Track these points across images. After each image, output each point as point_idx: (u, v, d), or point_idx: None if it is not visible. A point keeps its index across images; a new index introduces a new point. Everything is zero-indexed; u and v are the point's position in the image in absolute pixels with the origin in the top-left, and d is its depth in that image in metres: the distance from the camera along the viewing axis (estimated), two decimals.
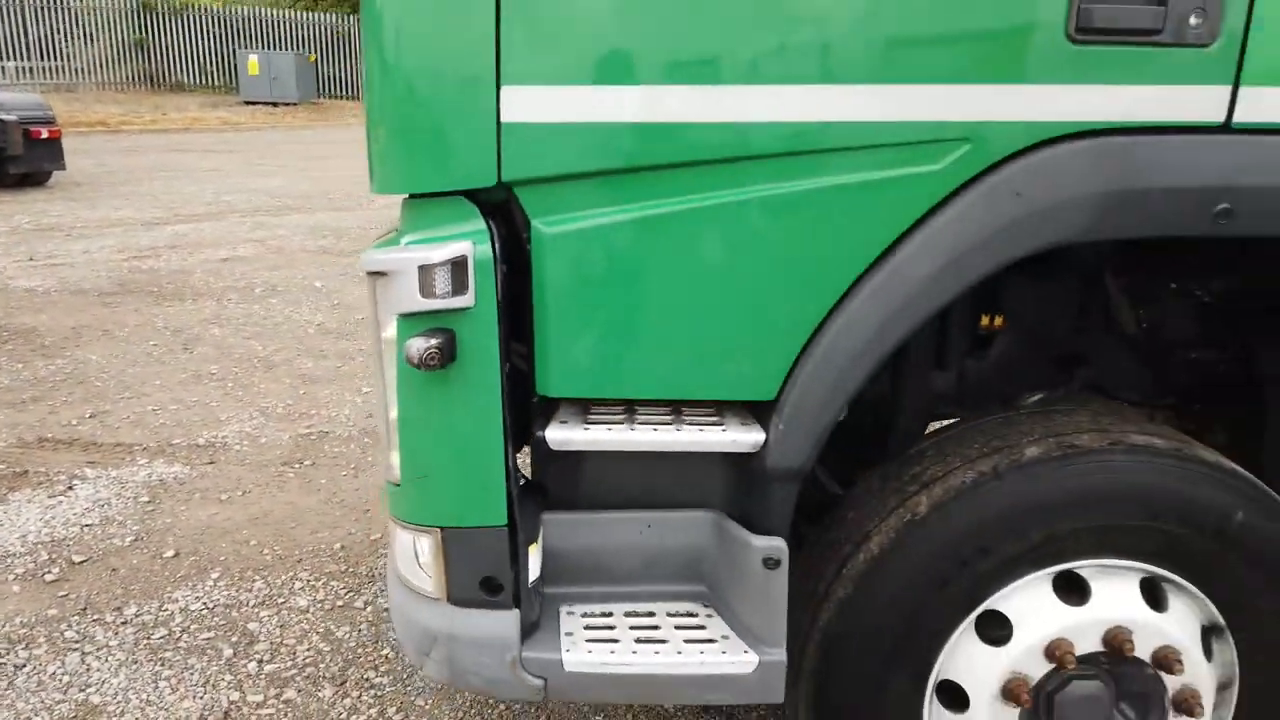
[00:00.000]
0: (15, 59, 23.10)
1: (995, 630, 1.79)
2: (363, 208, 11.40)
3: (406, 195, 1.63)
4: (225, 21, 25.44)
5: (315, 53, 25.54)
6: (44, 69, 23.50)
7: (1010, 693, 1.77)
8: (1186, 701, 1.79)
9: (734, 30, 1.48)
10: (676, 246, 1.55)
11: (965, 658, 1.80)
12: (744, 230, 1.55)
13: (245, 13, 25.90)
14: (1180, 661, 1.76)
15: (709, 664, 1.71)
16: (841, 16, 1.49)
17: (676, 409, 1.72)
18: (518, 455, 1.77)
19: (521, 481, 1.74)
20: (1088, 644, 1.76)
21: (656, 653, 1.72)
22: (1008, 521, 1.71)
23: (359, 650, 2.95)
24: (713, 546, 1.81)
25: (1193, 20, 1.48)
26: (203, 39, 25.04)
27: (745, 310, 1.59)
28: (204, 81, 25.46)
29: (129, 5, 24.48)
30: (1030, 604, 1.77)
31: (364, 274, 1.68)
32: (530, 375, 1.67)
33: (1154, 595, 1.79)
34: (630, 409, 1.73)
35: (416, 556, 1.80)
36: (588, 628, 1.79)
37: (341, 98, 26.29)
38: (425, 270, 1.51)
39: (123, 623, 3.09)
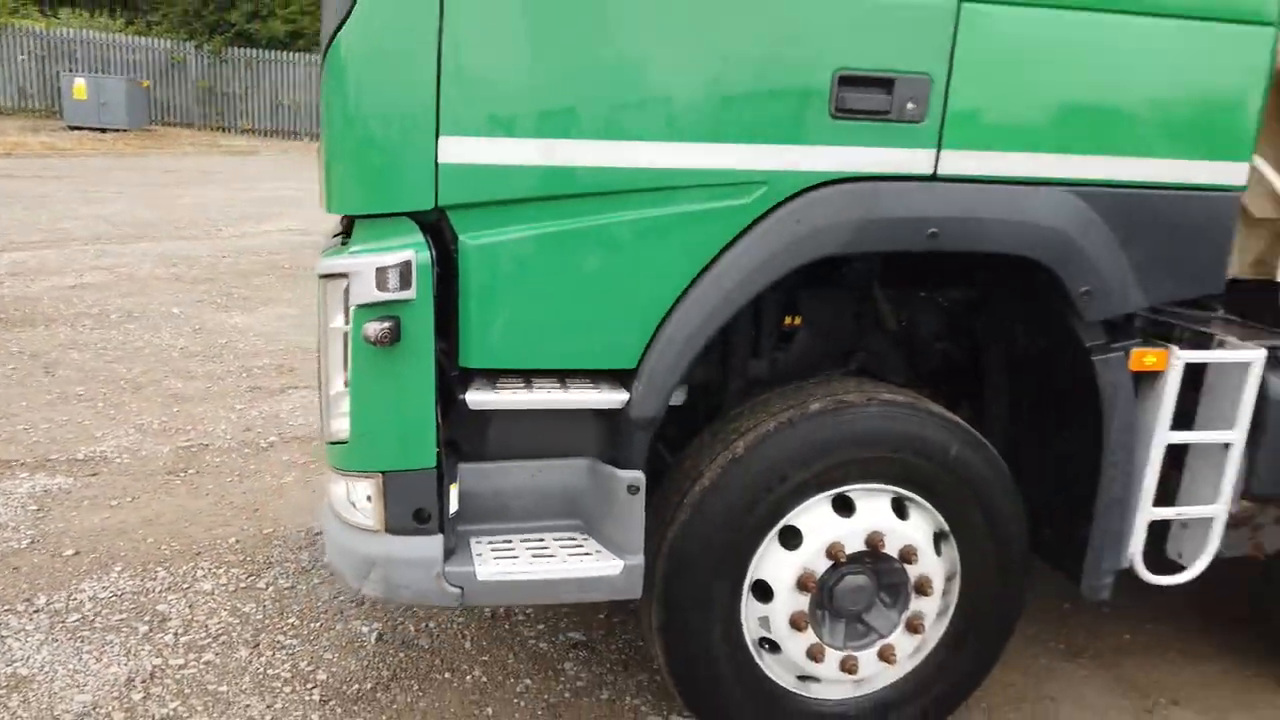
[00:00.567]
0: None
1: (791, 540, 2.46)
2: (211, 237, 11.35)
3: (359, 215, 2.16)
4: (49, 43, 24.20)
5: (149, 78, 24.62)
6: None
7: (802, 584, 2.44)
8: (923, 585, 2.52)
9: (610, 102, 2.12)
10: (566, 255, 2.16)
11: (771, 561, 2.46)
12: (614, 244, 2.18)
13: (70, 34, 24.70)
14: (918, 556, 2.48)
15: (587, 569, 2.30)
16: (684, 98, 2.15)
17: (562, 378, 2.31)
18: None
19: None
20: (855, 545, 2.45)
21: (547, 564, 2.30)
22: (799, 456, 2.39)
23: (266, 621, 3.33)
24: (589, 485, 2.40)
25: (910, 105, 2.23)
26: (23, 60, 23.72)
27: (614, 302, 2.21)
28: (24, 105, 24.07)
29: None
30: (815, 519, 2.46)
31: (318, 277, 2.20)
32: (451, 358, 2.22)
33: (901, 509, 2.51)
34: (528, 379, 2.30)
35: (354, 499, 2.30)
36: (493, 549, 2.34)
37: (177, 124, 25.39)
38: (381, 271, 2.05)
39: (35, 610, 3.33)
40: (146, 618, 3.31)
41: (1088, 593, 2.64)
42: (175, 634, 3.22)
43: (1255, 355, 2.50)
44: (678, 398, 2.55)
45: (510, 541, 2.39)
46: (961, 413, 2.76)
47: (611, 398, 2.25)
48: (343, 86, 2.10)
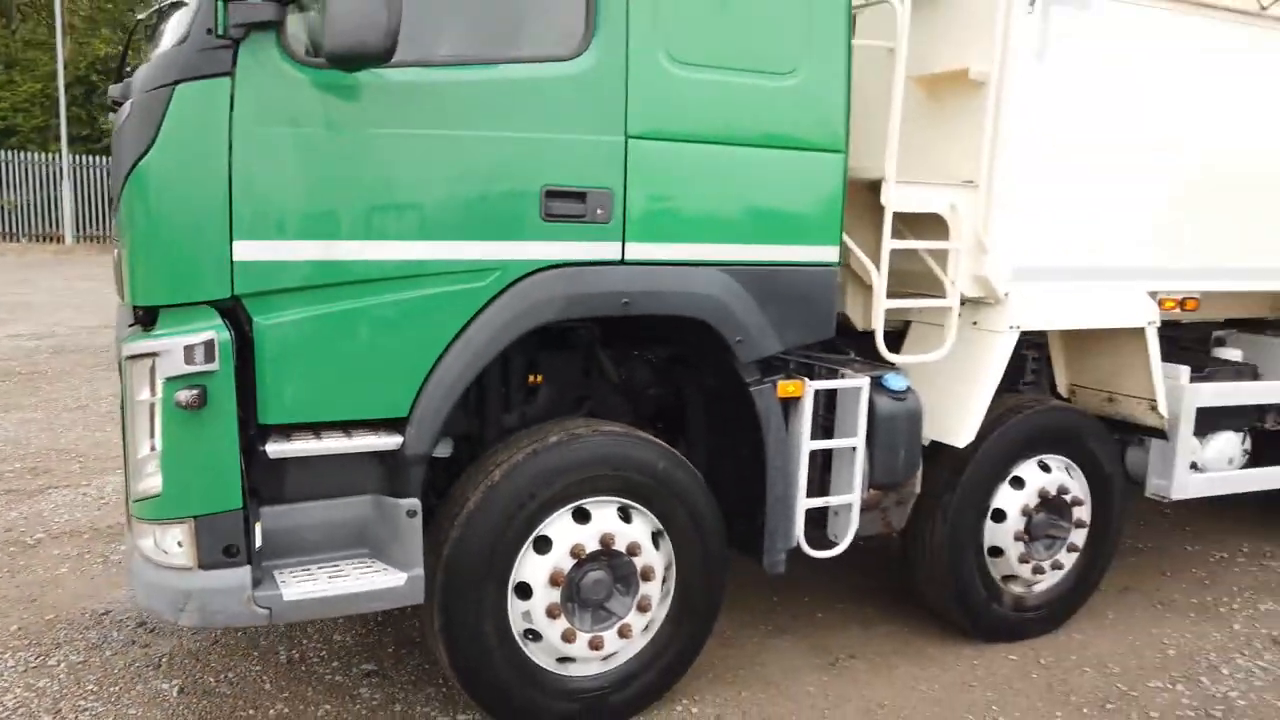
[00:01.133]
0: None
1: (544, 546, 3.12)
2: None
3: (165, 305, 2.65)
4: None
5: None
6: None
7: (554, 580, 3.11)
8: (647, 573, 3.26)
9: (372, 211, 2.77)
10: (343, 329, 2.76)
11: (529, 565, 3.11)
12: (383, 320, 2.80)
13: None
14: (641, 550, 3.22)
15: (376, 582, 2.84)
16: (433, 207, 2.83)
17: (346, 428, 2.87)
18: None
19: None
20: (592, 545, 3.15)
21: (342, 581, 2.82)
22: (543, 479, 3.07)
23: (64, 691, 3.51)
24: (374, 516, 2.95)
25: (599, 211, 3.03)
26: None
27: (386, 365, 2.82)
28: None
29: None
30: (561, 528, 3.14)
31: (124, 358, 2.66)
32: (251, 417, 2.72)
33: (626, 515, 3.25)
34: (316, 430, 2.84)
35: (165, 546, 2.71)
36: (294, 575, 2.83)
37: None
38: (189, 348, 2.56)
39: None
40: None
41: (769, 568, 3.48)
42: None
43: (863, 382, 3.49)
44: (444, 450, 3.18)
45: (309, 568, 2.88)
46: (676, 442, 3.54)
47: (389, 441, 2.84)
48: (147, 203, 2.62)
